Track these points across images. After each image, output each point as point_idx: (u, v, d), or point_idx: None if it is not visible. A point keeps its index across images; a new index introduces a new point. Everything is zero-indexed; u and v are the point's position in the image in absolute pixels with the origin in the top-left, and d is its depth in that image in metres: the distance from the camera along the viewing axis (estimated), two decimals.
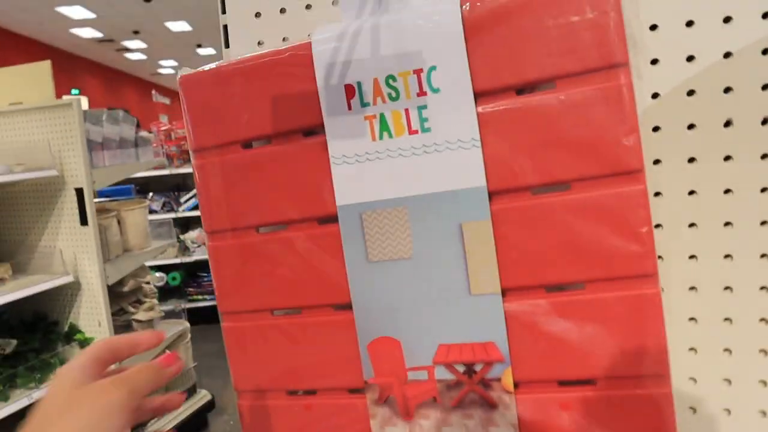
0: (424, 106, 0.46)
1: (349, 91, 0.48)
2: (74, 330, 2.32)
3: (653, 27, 0.49)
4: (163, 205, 4.00)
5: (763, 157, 0.48)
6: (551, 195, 0.45)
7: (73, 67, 8.69)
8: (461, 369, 0.48)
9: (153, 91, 3.95)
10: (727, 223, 0.50)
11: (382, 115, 0.47)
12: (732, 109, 0.48)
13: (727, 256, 0.50)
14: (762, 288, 0.50)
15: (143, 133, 2.84)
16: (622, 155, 0.43)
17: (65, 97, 2.23)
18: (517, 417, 0.47)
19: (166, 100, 3.89)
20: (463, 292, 0.47)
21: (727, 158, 0.49)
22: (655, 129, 0.50)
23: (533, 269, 0.46)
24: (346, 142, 0.48)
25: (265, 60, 0.50)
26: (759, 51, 0.47)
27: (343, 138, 0.48)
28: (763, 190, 0.48)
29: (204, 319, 3.58)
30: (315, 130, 0.50)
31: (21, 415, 2.08)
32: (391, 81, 0.47)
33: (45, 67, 2.24)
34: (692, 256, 0.51)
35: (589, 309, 0.45)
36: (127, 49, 8.78)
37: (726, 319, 0.51)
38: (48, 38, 7.53)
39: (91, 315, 2.33)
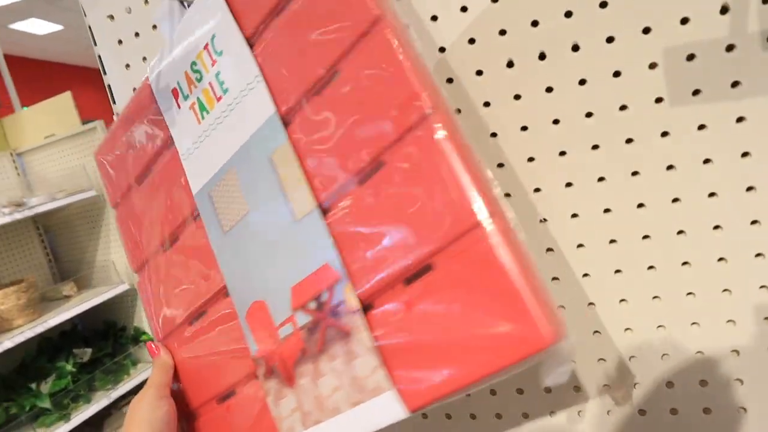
0: (219, 72, 0.49)
1: (174, 93, 0.52)
2: (139, 332, 2.54)
3: None
4: None
5: (548, 90, 0.46)
6: (328, 88, 0.43)
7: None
8: (313, 306, 0.43)
9: None
10: (530, 158, 0.49)
11: (198, 99, 0.51)
12: (510, 49, 0.47)
13: (537, 189, 0.44)
14: (573, 215, 0.48)
15: None
16: (359, 11, 0.40)
17: (88, 124, 2.43)
18: (370, 337, 0.40)
19: None
20: (290, 223, 0.44)
21: (517, 97, 0.47)
22: (450, 80, 0.48)
23: (336, 169, 0.42)
24: (185, 136, 0.52)
25: (126, 108, 0.57)
26: None
27: (182, 134, 0.52)
28: (555, 122, 0.47)
29: None
30: (171, 142, 0.54)
31: (103, 413, 2.29)
32: (194, 66, 0.50)
33: (66, 97, 2.46)
34: (507, 194, 0.43)
35: (394, 181, 0.40)
36: None
37: (549, 249, 0.41)
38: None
39: None
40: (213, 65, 0.50)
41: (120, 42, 0.67)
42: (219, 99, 0.49)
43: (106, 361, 2.33)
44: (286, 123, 0.45)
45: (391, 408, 0.39)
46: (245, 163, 0.48)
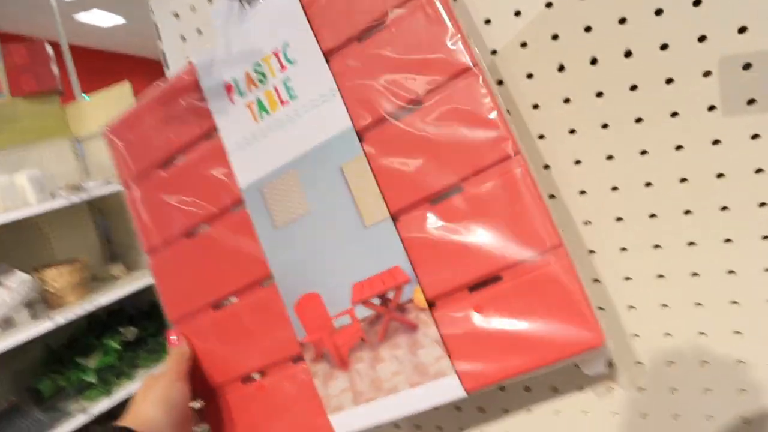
0: (288, 78, 0.52)
1: (229, 88, 0.55)
2: None
3: None
4: None
5: (599, 95, 0.48)
6: (408, 115, 0.48)
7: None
8: (377, 302, 0.49)
9: None
10: (577, 161, 0.51)
11: (258, 99, 0.53)
12: (562, 54, 0.49)
13: (582, 192, 0.51)
14: (618, 219, 0.50)
15: None
16: (452, 57, 0.47)
17: None
18: (438, 332, 0.47)
19: None
20: (359, 228, 0.49)
21: (567, 101, 0.50)
22: (500, 82, 0.53)
23: (413, 186, 0.49)
24: (236, 131, 0.54)
25: (163, 90, 0.57)
26: None
27: (233, 129, 0.54)
28: (604, 126, 0.49)
29: None
30: (212, 133, 0.56)
31: None
32: (258, 68, 0.53)
33: (126, 87, 2.58)
34: (552, 196, 0.51)
35: (472, 206, 0.47)
36: None
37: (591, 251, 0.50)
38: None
39: None
40: (282, 71, 0.53)
41: (183, 38, 0.66)
42: (284, 103, 0.53)
43: (150, 340, 2.46)
44: (360, 138, 0.51)
45: (451, 389, 0.48)
46: (310, 168, 0.52)
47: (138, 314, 2.59)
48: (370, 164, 0.50)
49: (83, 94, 2.84)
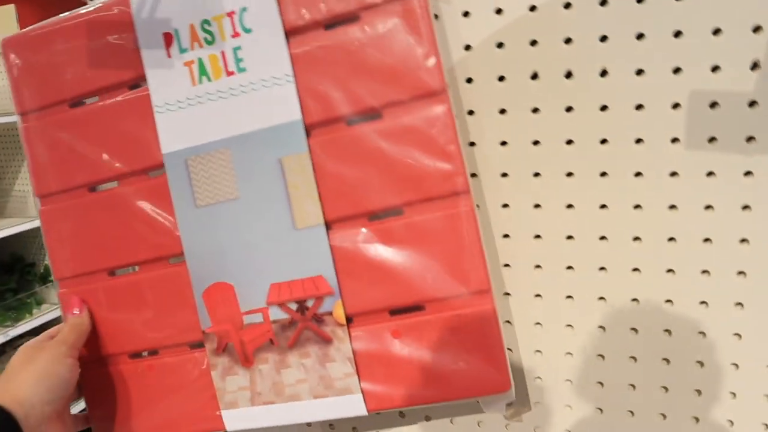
0: (239, 47, 0.46)
1: (168, 39, 0.48)
2: (49, 271, 2.39)
3: None
4: None
5: (568, 109, 0.48)
6: (365, 124, 0.46)
7: None
8: (294, 307, 0.47)
9: None
10: (536, 174, 0.50)
11: (200, 60, 0.47)
12: (538, 62, 0.48)
13: (536, 206, 0.51)
14: (569, 237, 0.51)
15: None
16: (424, 78, 0.44)
17: None
18: (351, 349, 0.46)
19: None
20: (288, 228, 0.46)
21: (535, 110, 0.49)
22: (469, 80, 0.51)
23: (354, 199, 0.46)
24: (168, 89, 0.48)
25: (86, 17, 0.49)
26: (561, 5, 0.48)
27: (165, 86, 0.48)
28: (568, 142, 0.49)
29: None
30: (139, 83, 0.49)
31: (0, 349, 2.20)
32: (206, 25, 0.47)
33: (9, 10, 2.22)
34: (505, 205, 0.51)
35: (409, 233, 0.46)
36: None
37: (537, 266, 0.51)
38: None
39: None
40: (234, 37, 0.48)
41: None
42: (230, 74, 0.48)
43: (8, 296, 2.21)
44: (307, 133, 0.47)
45: (353, 406, 0.48)
46: (247, 151, 0.48)
47: None
48: (313, 164, 0.47)
49: None
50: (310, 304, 0.48)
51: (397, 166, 0.46)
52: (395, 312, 0.48)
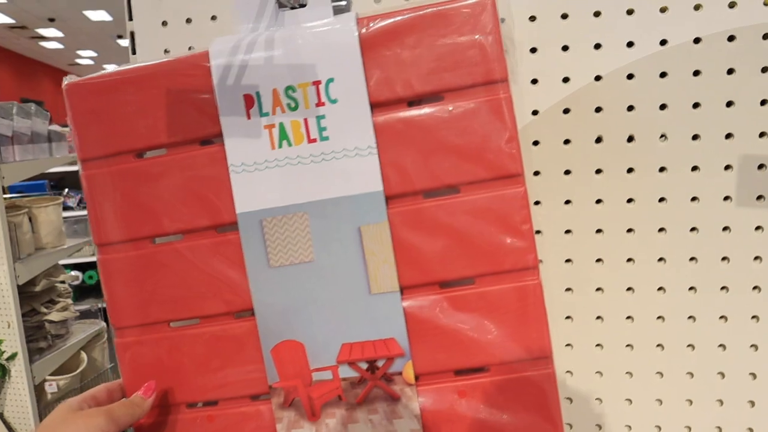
0: (323, 116, 0.48)
1: (248, 100, 0.48)
2: None
3: (533, 50, 0.55)
4: (80, 201, 3.71)
5: (629, 171, 0.54)
6: (442, 198, 0.48)
7: None
8: (364, 366, 0.49)
9: (64, 78, 3.59)
10: (598, 230, 0.56)
11: (281, 125, 0.48)
12: (602, 126, 0.55)
13: (598, 260, 0.56)
14: (629, 289, 0.57)
15: (57, 127, 2.63)
16: (504, 161, 0.47)
17: None
18: (419, 407, 0.49)
19: None
20: (363, 292, 0.49)
21: (598, 171, 0.54)
22: (535, 143, 0.55)
23: (428, 267, 0.49)
24: (246, 150, 0.49)
25: (161, 68, 0.49)
26: (624, 75, 0.54)
27: (242, 147, 0.49)
28: (629, 200, 0.55)
29: None
30: (212, 139, 0.49)
31: None
32: (290, 92, 0.48)
33: None
34: (568, 260, 0.56)
35: (479, 302, 0.49)
36: (42, 37, 7.95)
37: (598, 317, 0.56)
38: None
39: (0, 316, 2.20)
40: (318, 106, 0.49)
41: (165, 23, 0.55)
42: (312, 141, 0.50)
43: None
44: (387, 204, 0.50)
45: None
46: (325, 217, 0.50)
47: None
48: (391, 233, 0.50)
49: None
50: (380, 364, 0.51)
51: (472, 240, 0.50)
52: (460, 372, 0.51)
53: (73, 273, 3.40)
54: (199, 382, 0.53)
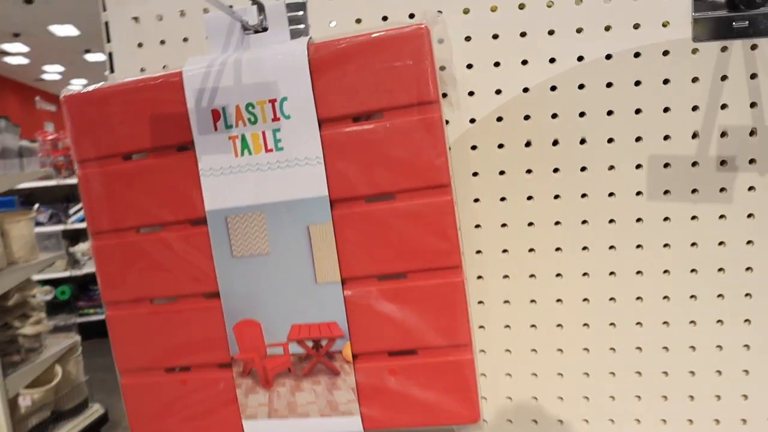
0: (278, 129, 0.55)
1: (215, 114, 0.56)
2: None
3: (469, 66, 0.61)
4: (51, 216, 3.87)
5: (555, 170, 0.62)
6: (380, 203, 0.56)
7: None
8: (310, 344, 0.58)
9: (37, 98, 3.66)
10: (530, 224, 0.63)
11: (243, 136, 0.56)
12: (530, 132, 0.63)
13: (531, 250, 0.63)
14: (558, 275, 0.65)
15: (26, 143, 2.71)
16: (434, 173, 0.54)
17: None
18: (355, 381, 0.57)
19: (52, 107, 3.59)
20: (310, 282, 0.57)
21: (528, 171, 0.61)
22: (473, 148, 0.62)
23: (366, 263, 0.56)
24: (213, 157, 0.57)
25: (142, 84, 0.57)
26: (548, 87, 0.61)
27: (211, 154, 0.57)
28: (556, 197, 0.62)
29: (96, 333, 3.47)
30: (187, 146, 0.58)
31: None
32: (250, 108, 0.55)
33: None
34: (504, 251, 0.63)
35: (410, 294, 0.56)
36: (6, 53, 7.99)
37: (531, 300, 0.64)
38: None
39: None
40: (274, 121, 0.57)
41: (140, 45, 0.63)
42: (269, 150, 0.58)
43: None
44: (331, 206, 0.57)
45: (353, 426, 0.60)
46: (278, 216, 0.58)
47: None
48: (334, 232, 0.57)
49: None
50: (324, 343, 0.59)
51: (405, 241, 0.57)
52: (393, 353, 0.59)
53: (46, 287, 3.50)
54: (175, 350, 0.63)
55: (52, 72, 9.51)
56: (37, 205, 3.87)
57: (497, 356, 0.67)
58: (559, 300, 0.65)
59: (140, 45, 0.67)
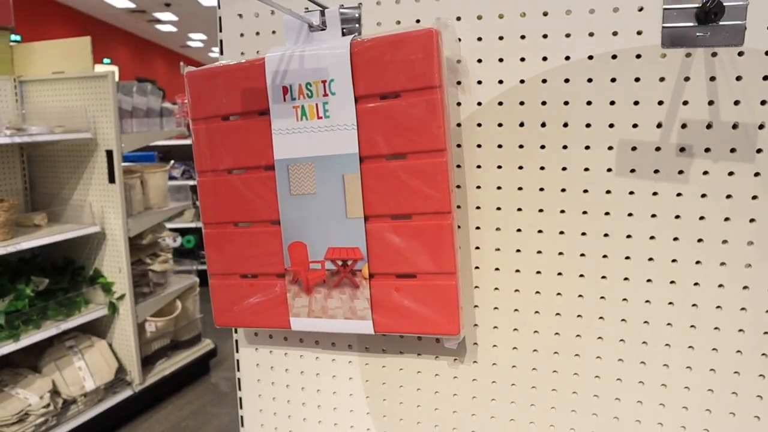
0: (327, 102, 0.77)
1: (285, 90, 0.79)
2: (98, 274, 2.76)
3: (479, 60, 0.78)
4: (183, 172, 4.37)
5: (542, 147, 0.78)
6: (396, 161, 0.75)
7: (105, 36, 9.16)
8: (340, 263, 0.79)
9: (181, 63, 4.19)
10: (519, 188, 0.79)
11: (302, 107, 0.78)
12: (524, 115, 0.80)
13: (519, 209, 0.80)
14: (539, 231, 0.82)
15: (168, 104, 3.16)
16: (434, 140, 0.73)
17: (100, 69, 2.73)
18: (370, 294, 0.78)
19: None
20: (342, 216, 0.78)
21: (521, 146, 0.78)
22: (479, 125, 0.79)
23: (383, 205, 0.77)
24: (282, 121, 0.79)
25: (237, 66, 0.81)
26: (540, 80, 0.77)
27: (280, 118, 0.79)
28: (541, 168, 0.78)
29: None
30: (265, 112, 0.81)
31: (45, 343, 2.58)
32: (309, 86, 0.77)
33: (85, 42, 2.64)
34: (498, 208, 0.80)
35: (414, 231, 0.76)
36: (158, 21, 8.86)
37: (517, 250, 0.81)
38: (83, 6, 7.84)
39: (113, 262, 2.75)
40: (323, 96, 0.78)
41: (242, 35, 0.88)
42: (319, 117, 0.79)
43: (59, 294, 2.54)
44: (360, 161, 0.78)
45: (367, 327, 0.80)
46: (324, 166, 0.80)
47: (51, 267, 2.63)
48: (361, 180, 0.78)
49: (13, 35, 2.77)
50: (349, 263, 0.80)
51: (412, 191, 0.76)
52: (400, 276, 0.79)
53: (175, 233, 3.88)
54: (248, 261, 0.87)
55: (196, 40, 10.39)
56: (172, 162, 4.37)
57: (488, 293, 0.84)
58: (539, 252, 0.81)
59: (242, 35, 0.91)
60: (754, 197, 0.72)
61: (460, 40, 0.80)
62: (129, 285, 2.72)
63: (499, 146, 0.81)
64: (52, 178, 2.70)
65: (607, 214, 0.77)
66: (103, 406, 2.64)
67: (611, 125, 0.76)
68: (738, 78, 0.72)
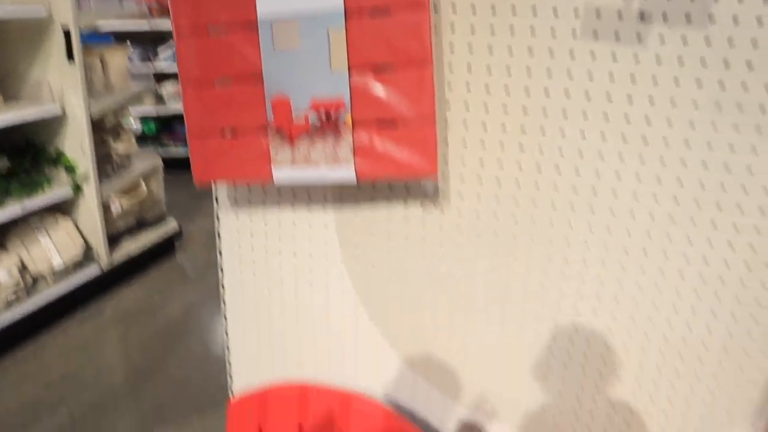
0: None
1: None
2: (60, 155, 2.70)
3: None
4: (142, 57, 4.23)
5: (513, 9, 0.81)
6: (380, 17, 0.79)
7: None
8: (324, 116, 0.84)
9: None
10: (490, 48, 0.84)
11: None
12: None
13: (487, 67, 0.85)
14: (505, 89, 0.85)
15: None
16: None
17: None
18: (352, 141, 0.84)
19: None
20: (326, 68, 0.83)
21: (493, 7, 0.82)
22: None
23: (366, 56, 0.82)
24: None
25: None
26: None
27: None
28: (511, 31, 0.82)
29: (177, 167, 3.86)
30: None
31: (10, 225, 2.56)
32: None
33: None
34: (469, 66, 0.85)
35: (395, 81, 0.82)
36: None
37: (485, 114, 0.87)
38: None
39: (76, 143, 2.68)
40: None
41: None
42: None
43: (22, 175, 2.51)
44: (345, 17, 0.81)
45: (348, 174, 0.87)
46: (309, 22, 0.83)
47: (12, 149, 2.56)
48: (347, 35, 0.82)
49: None
50: (333, 114, 0.86)
51: (395, 44, 0.81)
52: (381, 123, 0.85)
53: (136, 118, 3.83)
54: (230, 117, 0.91)
55: None
56: (128, 42, 4.22)
57: (456, 148, 0.92)
58: (504, 105, 0.88)
59: None
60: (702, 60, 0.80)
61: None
62: (93, 165, 2.68)
63: (473, 11, 0.85)
64: (6, 57, 2.55)
65: (569, 73, 0.84)
66: (72, 282, 2.69)
67: None
68: None
